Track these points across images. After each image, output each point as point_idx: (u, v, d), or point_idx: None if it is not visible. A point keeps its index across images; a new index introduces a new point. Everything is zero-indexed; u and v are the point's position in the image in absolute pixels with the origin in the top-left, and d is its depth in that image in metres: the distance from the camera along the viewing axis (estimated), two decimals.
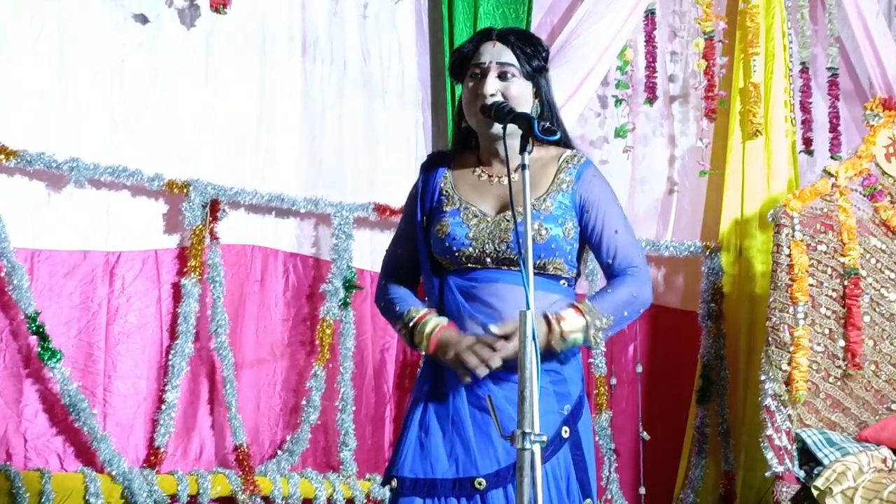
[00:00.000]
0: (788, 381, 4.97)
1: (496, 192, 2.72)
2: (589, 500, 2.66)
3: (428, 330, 2.66)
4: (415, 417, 2.68)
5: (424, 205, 2.79)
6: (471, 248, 2.67)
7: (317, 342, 4.76)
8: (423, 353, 2.68)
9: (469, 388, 2.62)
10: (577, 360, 2.73)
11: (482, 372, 2.56)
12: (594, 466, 2.74)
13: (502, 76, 2.69)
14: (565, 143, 2.78)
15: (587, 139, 5.63)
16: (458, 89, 2.84)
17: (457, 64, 2.77)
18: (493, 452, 2.59)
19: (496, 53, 2.70)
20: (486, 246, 2.66)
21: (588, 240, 2.73)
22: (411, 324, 2.69)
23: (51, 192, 4.25)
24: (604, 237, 2.71)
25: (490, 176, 2.75)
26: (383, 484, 2.72)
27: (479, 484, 2.58)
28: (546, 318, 2.56)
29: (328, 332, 4.77)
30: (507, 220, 2.63)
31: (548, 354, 2.58)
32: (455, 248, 2.68)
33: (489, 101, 2.65)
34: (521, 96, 2.69)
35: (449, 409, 2.64)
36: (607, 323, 2.63)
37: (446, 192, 2.75)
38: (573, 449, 2.66)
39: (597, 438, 5.20)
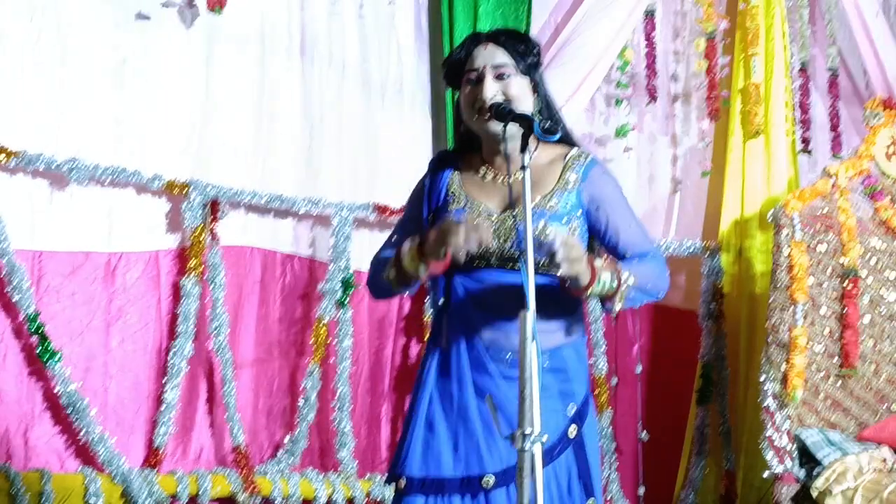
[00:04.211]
0: (785, 381, 4.97)
1: (501, 192, 2.71)
2: (592, 500, 2.66)
3: (410, 244, 2.60)
4: (419, 412, 2.66)
5: (431, 203, 2.78)
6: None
7: (311, 342, 4.77)
8: (414, 267, 2.59)
9: (476, 383, 2.61)
10: (583, 360, 2.72)
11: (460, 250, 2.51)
12: (598, 466, 2.73)
13: (499, 77, 2.67)
14: (569, 140, 2.77)
15: (594, 137, 5.63)
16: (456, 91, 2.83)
17: (451, 71, 2.76)
18: (499, 449, 2.58)
19: (489, 56, 2.68)
20: (491, 244, 2.65)
21: (601, 238, 2.72)
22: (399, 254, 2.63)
23: (51, 193, 4.24)
24: (620, 235, 2.70)
25: (495, 175, 2.74)
26: (388, 482, 2.69)
27: (487, 483, 2.58)
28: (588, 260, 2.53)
29: (323, 331, 4.77)
30: (512, 219, 2.62)
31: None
32: None
33: (489, 103, 2.64)
34: (521, 94, 2.68)
35: (454, 404, 2.63)
36: (634, 282, 2.60)
37: (453, 191, 2.75)
38: (576, 449, 2.65)
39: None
